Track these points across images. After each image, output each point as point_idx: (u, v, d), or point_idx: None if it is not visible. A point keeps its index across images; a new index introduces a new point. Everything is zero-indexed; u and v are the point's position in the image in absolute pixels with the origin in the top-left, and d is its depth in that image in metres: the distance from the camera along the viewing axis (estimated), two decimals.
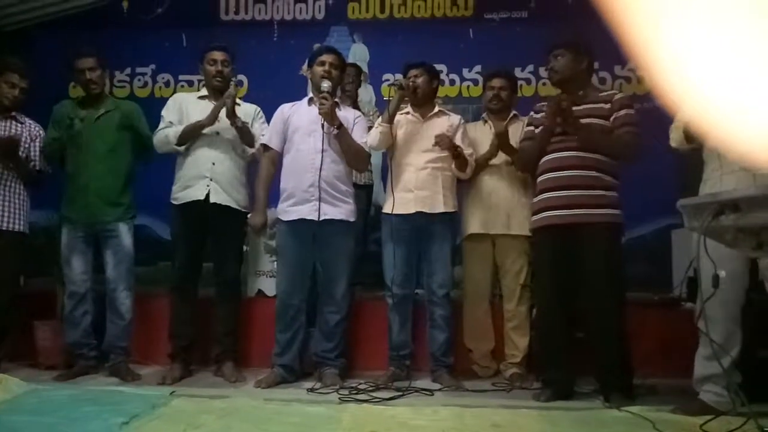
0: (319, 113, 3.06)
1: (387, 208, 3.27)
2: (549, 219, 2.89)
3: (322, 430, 2.33)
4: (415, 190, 3.19)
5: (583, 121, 2.84)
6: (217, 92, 3.34)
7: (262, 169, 3.28)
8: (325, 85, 3.09)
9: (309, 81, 3.38)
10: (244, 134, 3.28)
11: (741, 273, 2.39)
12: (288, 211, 3.16)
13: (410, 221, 3.20)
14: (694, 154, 2.64)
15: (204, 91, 3.43)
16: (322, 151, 3.12)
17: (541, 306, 3.06)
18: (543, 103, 3.09)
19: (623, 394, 2.72)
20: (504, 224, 3.30)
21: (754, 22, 0.83)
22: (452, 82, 4.86)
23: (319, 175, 3.10)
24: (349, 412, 2.57)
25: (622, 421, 2.45)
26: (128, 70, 5.05)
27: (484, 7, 4.89)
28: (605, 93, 2.99)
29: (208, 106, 3.28)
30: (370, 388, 2.97)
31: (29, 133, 3.42)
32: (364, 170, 3.76)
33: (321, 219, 3.09)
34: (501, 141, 3.16)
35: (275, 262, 3.49)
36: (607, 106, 2.88)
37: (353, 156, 3.21)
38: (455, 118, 3.33)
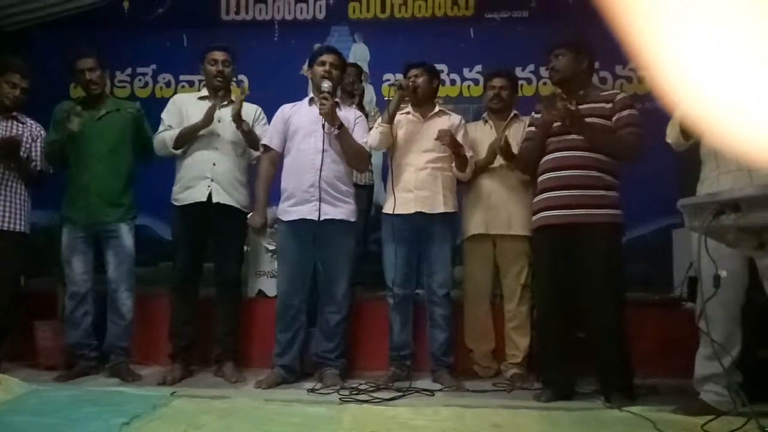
0: (320, 113, 3.06)
1: (387, 208, 3.27)
2: (549, 219, 2.89)
3: (322, 431, 2.32)
4: (415, 190, 3.19)
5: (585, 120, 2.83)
6: (218, 92, 3.34)
7: (261, 170, 3.28)
8: (326, 85, 3.09)
9: (310, 81, 3.38)
10: (250, 138, 3.28)
11: (741, 273, 2.39)
12: (288, 211, 3.16)
13: (410, 221, 3.20)
14: (694, 154, 2.64)
15: (204, 92, 3.43)
16: (323, 151, 3.12)
17: (542, 306, 3.06)
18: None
19: (624, 394, 2.72)
20: (504, 224, 3.30)
21: (754, 22, 0.83)
22: (453, 82, 4.87)
23: (320, 176, 3.09)
24: (349, 412, 2.56)
25: (623, 422, 2.44)
26: (129, 70, 5.06)
27: (484, 7, 4.89)
28: (606, 92, 2.99)
29: (208, 107, 3.27)
30: (371, 389, 2.97)
31: (30, 133, 3.43)
32: (365, 170, 3.76)
33: (321, 219, 3.09)
34: (505, 150, 3.15)
35: (275, 263, 3.49)
36: (609, 105, 2.88)
37: (354, 156, 3.21)
38: (456, 118, 3.33)
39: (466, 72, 4.88)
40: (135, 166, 3.43)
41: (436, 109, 3.34)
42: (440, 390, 3.05)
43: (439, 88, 3.48)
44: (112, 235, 3.30)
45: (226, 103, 3.35)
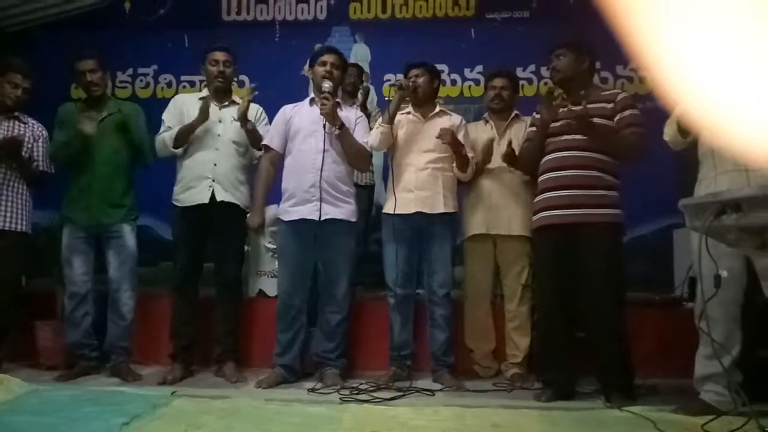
0: (321, 113, 3.07)
1: (387, 209, 3.27)
2: (550, 219, 2.89)
3: (323, 431, 2.32)
4: (416, 190, 3.19)
5: None
6: (219, 93, 3.35)
7: (261, 170, 3.28)
8: (326, 85, 3.09)
9: (311, 81, 3.38)
10: (253, 137, 3.28)
11: (740, 272, 2.39)
12: (289, 211, 3.17)
13: (410, 221, 3.20)
14: (694, 154, 2.64)
15: (205, 92, 3.43)
16: (324, 151, 3.12)
17: (542, 306, 3.06)
18: None
19: (624, 394, 2.72)
20: (505, 225, 3.30)
21: (754, 22, 0.83)
22: (454, 82, 4.87)
23: (321, 176, 3.10)
24: (350, 412, 2.56)
25: (623, 421, 2.44)
26: (130, 71, 5.07)
27: (485, 7, 4.90)
28: (607, 92, 2.99)
29: (209, 117, 3.27)
30: (371, 388, 2.97)
31: (32, 133, 3.43)
32: (366, 170, 3.76)
33: (322, 219, 3.09)
34: (508, 158, 3.15)
35: (276, 262, 3.49)
36: (610, 105, 2.88)
37: (355, 156, 3.21)
38: (456, 119, 3.33)
39: (467, 72, 4.88)
40: (136, 166, 3.44)
41: (437, 109, 3.34)
42: (440, 390, 3.05)
43: (439, 88, 3.48)
44: (115, 236, 3.30)
45: (227, 103, 3.36)
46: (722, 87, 0.90)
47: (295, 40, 4.94)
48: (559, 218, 2.85)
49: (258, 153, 3.36)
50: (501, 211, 3.31)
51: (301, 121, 3.21)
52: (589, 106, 2.86)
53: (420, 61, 3.31)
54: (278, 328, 3.21)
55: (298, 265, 3.18)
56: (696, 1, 0.87)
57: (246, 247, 3.61)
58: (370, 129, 3.30)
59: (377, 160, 3.92)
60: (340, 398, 2.81)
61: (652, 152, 2.86)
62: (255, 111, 3.42)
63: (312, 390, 2.98)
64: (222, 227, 3.31)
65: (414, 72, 3.27)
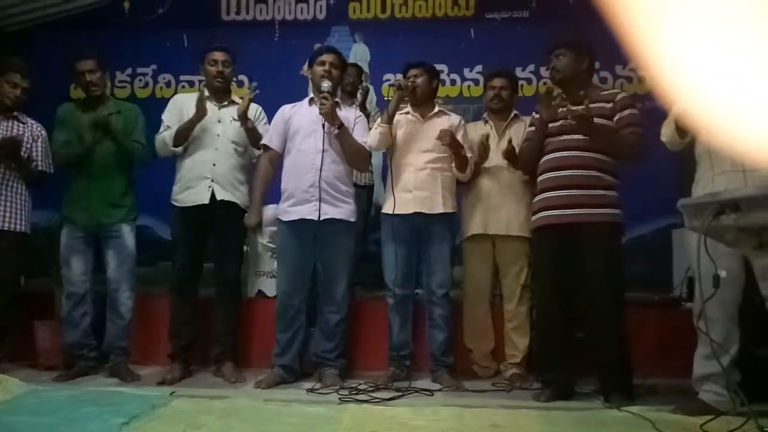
0: (320, 113, 3.07)
1: (386, 209, 3.27)
2: (549, 219, 2.89)
3: (322, 431, 2.32)
4: (415, 190, 3.19)
5: None
6: (217, 93, 3.35)
7: (259, 169, 3.28)
8: (326, 84, 3.09)
9: (310, 81, 3.38)
10: (253, 136, 3.28)
11: (738, 272, 2.39)
12: (288, 211, 3.16)
13: (409, 221, 3.20)
14: (694, 154, 2.64)
15: (205, 92, 3.43)
16: (323, 151, 3.12)
17: (541, 306, 3.06)
18: None
19: (623, 394, 2.72)
20: (504, 225, 3.30)
21: (754, 22, 0.83)
22: (453, 82, 4.87)
23: (320, 175, 3.09)
24: (349, 412, 2.56)
25: (622, 421, 2.44)
26: (129, 71, 5.06)
27: (485, 7, 4.89)
28: (607, 92, 2.99)
29: (208, 107, 3.28)
30: (370, 389, 2.97)
31: (31, 133, 3.42)
32: (365, 170, 3.76)
33: (321, 219, 3.09)
34: (509, 156, 3.15)
35: (275, 262, 3.49)
36: (609, 105, 2.88)
37: (354, 156, 3.21)
38: (455, 119, 3.33)
39: (466, 72, 4.88)
40: (136, 166, 3.43)
41: (436, 109, 3.34)
42: (439, 390, 3.05)
43: (438, 88, 3.48)
44: (114, 236, 3.30)
45: (226, 103, 3.36)
46: (721, 87, 0.90)
47: (295, 40, 4.93)
48: (559, 218, 2.85)
49: (257, 152, 3.36)
50: (500, 211, 3.31)
51: (301, 121, 3.20)
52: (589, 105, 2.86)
53: (419, 61, 3.31)
54: (277, 328, 3.21)
55: (297, 265, 3.18)
56: (695, 1, 0.87)
57: (245, 247, 3.61)
58: (370, 129, 3.30)
59: (376, 160, 3.92)
60: (339, 398, 2.81)
61: (652, 152, 2.86)
62: (254, 110, 3.42)
63: (311, 390, 2.98)
64: (221, 227, 3.31)
65: (413, 72, 3.27)
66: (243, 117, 3.20)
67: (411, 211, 3.18)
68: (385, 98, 3.31)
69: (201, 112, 3.20)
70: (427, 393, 2.97)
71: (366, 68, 4.65)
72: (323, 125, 3.12)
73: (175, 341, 3.31)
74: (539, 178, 2.97)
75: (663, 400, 2.69)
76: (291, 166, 3.20)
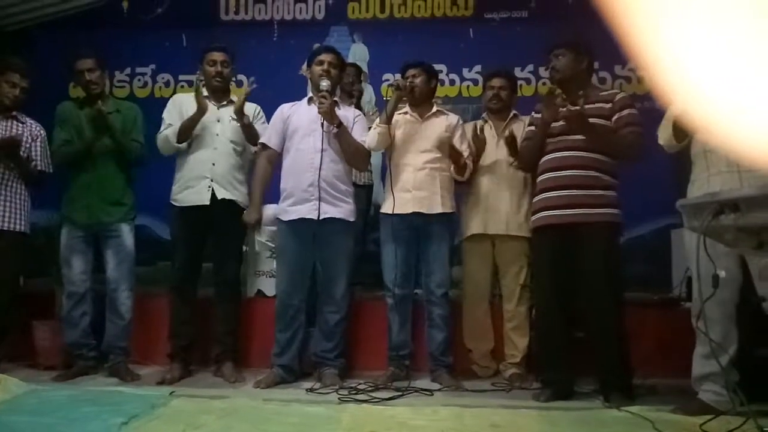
0: (319, 112, 3.07)
1: (386, 209, 3.27)
2: (548, 219, 2.89)
3: (321, 431, 2.32)
4: (413, 190, 3.19)
5: None
6: (216, 92, 3.35)
7: (258, 167, 3.28)
8: (324, 84, 3.09)
9: (309, 81, 3.38)
10: (249, 132, 3.28)
11: (735, 272, 2.40)
12: (288, 210, 3.16)
13: (408, 221, 3.20)
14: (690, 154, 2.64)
15: (204, 92, 3.43)
16: (322, 150, 3.12)
17: (541, 306, 3.06)
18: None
19: (623, 394, 2.72)
20: (503, 225, 3.30)
21: (753, 22, 0.83)
22: (452, 82, 4.87)
23: (319, 175, 3.09)
24: (348, 412, 2.57)
25: (622, 421, 2.44)
26: (128, 70, 5.06)
27: (484, 7, 4.90)
28: (606, 92, 2.99)
29: (208, 106, 3.28)
30: (370, 388, 2.97)
31: (30, 132, 3.42)
32: (364, 169, 3.76)
33: (321, 218, 3.09)
34: (510, 145, 3.15)
35: (275, 262, 3.49)
36: (608, 105, 2.88)
37: (353, 155, 3.21)
38: (453, 118, 3.33)
39: (465, 72, 4.88)
40: (135, 165, 3.43)
41: (434, 109, 3.34)
42: (439, 390, 3.05)
43: (437, 88, 3.47)
44: (113, 235, 3.30)
45: (225, 103, 3.36)
46: (720, 87, 0.90)
47: (294, 40, 4.93)
48: (558, 218, 2.85)
49: (253, 149, 3.35)
50: (499, 211, 3.31)
51: (299, 120, 3.21)
52: (588, 106, 2.86)
53: (417, 61, 3.31)
54: (277, 327, 3.21)
55: (296, 265, 3.18)
56: (695, 1, 0.87)
57: (245, 247, 3.61)
58: (369, 128, 3.30)
59: (375, 159, 3.92)
60: (338, 398, 2.81)
61: (651, 152, 2.86)
62: (253, 110, 3.42)
63: (310, 390, 2.98)
64: (221, 227, 3.31)
65: (411, 72, 3.27)
66: (239, 113, 3.19)
67: (410, 211, 3.18)
68: (384, 98, 3.31)
69: (202, 105, 3.20)
70: (427, 393, 2.97)
71: (365, 68, 4.65)
72: (322, 124, 3.12)
73: (174, 341, 3.31)
74: (539, 179, 2.97)
75: (662, 400, 2.69)
76: (290, 165, 3.20)
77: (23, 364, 3.49)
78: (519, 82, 4.02)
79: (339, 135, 3.13)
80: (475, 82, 4.78)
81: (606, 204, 2.83)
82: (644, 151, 2.86)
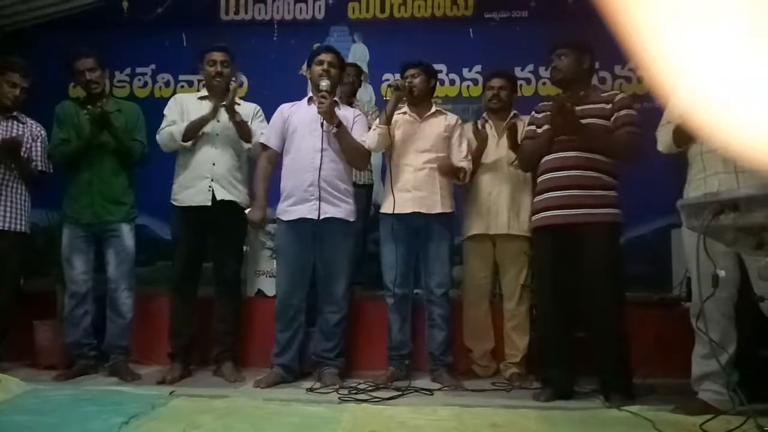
0: (318, 112, 3.07)
1: (385, 208, 3.27)
2: (549, 219, 2.89)
3: (321, 430, 2.32)
4: (413, 190, 3.19)
5: (584, 121, 2.83)
6: (217, 92, 3.35)
7: (259, 168, 3.27)
8: (324, 83, 3.09)
9: (309, 81, 3.38)
10: (242, 129, 3.28)
11: (733, 271, 2.40)
12: (288, 210, 3.16)
13: (408, 221, 3.20)
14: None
15: (204, 92, 3.43)
16: (322, 150, 3.12)
17: (541, 306, 3.06)
18: (545, 103, 3.09)
19: (623, 394, 2.72)
20: (504, 224, 3.30)
21: (753, 21, 0.83)
22: (452, 82, 4.87)
23: (319, 175, 3.10)
24: (348, 411, 2.56)
25: (622, 421, 2.44)
26: (128, 70, 5.06)
27: (484, 7, 4.90)
28: (607, 93, 2.98)
29: (208, 106, 3.28)
30: (370, 388, 2.97)
31: (31, 133, 3.42)
32: (364, 169, 3.76)
33: (321, 218, 3.09)
34: (511, 137, 3.15)
35: (275, 262, 3.49)
36: (609, 106, 2.88)
37: (353, 154, 3.21)
38: (452, 118, 3.33)
39: (465, 72, 4.88)
40: (135, 165, 3.43)
41: (433, 109, 3.34)
42: (439, 389, 3.05)
43: (436, 88, 3.47)
44: (114, 235, 3.30)
45: (225, 102, 3.36)
46: (720, 87, 0.90)
47: (294, 40, 4.93)
48: (559, 218, 2.85)
49: (247, 146, 3.35)
50: (501, 211, 3.31)
51: (299, 120, 3.21)
52: (589, 106, 2.87)
53: (416, 61, 3.30)
54: (277, 327, 3.21)
55: (296, 265, 3.18)
56: (695, 1, 0.87)
57: (245, 247, 3.61)
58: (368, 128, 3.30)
59: (375, 159, 3.92)
60: (338, 398, 2.81)
61: (651, 152, 2.85)
62: (253, 109, 3.43)
63: (310, 390, 2.98)
64: (221, 227, 3.31)
65: (410, 72, 3.27)
66: (230, 110, 3.19)
67: (409, 211, 3.18)
68: (384, 98, 3.31)
69: (215, 113, 3.20)
70: (427, 392, 2.97)
71: (365, 68, 4.65)
72: (322, 124, 3.12)
73: (174, 341, 3.31)
74: (540, 178, 2.97)
75: (663, 400, 2.69)
76: (290, 165, 3.20)
77: (23, 364, 3.49)
78: (519, 82, 4.02)
79: (338, 135, 3.13)
80: (475, 81, 4.78)
81: (607, 204, 2.83)
82: (640, 152, 2.85)
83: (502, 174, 3.34)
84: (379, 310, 3.41)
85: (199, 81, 4.55)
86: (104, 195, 3.28)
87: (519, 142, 3.13)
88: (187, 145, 3.28)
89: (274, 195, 3.30)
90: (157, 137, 3.33)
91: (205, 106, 3.29)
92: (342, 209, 3.17)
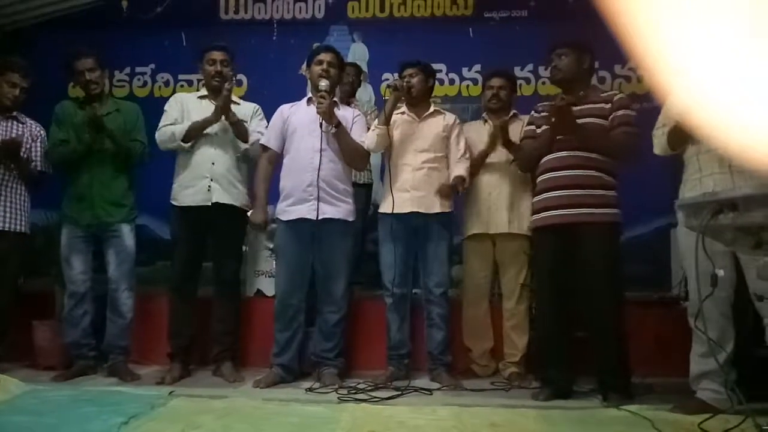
0: (317, 112, 3.07)
1: (384, 208, 3.27)
2: (549, 219, 2.89)
3: (320, 430, 2.32)
4: (412, 190, 3.19)
5: (583, 121, 2.84)
6: (216, 92, 3.34)
7: (260, 169, 3.27)
8: (323, 83, 3.09)
9: (308, 80, 3.38)
10: (238, 129, 3.28)
11: (731, 270, 2.40)
12: (287, 210, 3.16)
13: (407, 221, 3.20)
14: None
15: (204, 91, 3.43)
16: (321, 150, 3.12)
17: (541, 305, 3.06)
18: (544, 103, 3.10)
19: (622, 393, 2.73)
20: (504, 224, 3.30)
21: (754, 22, 0.83)
22: (452, 82, 4.86)
23: (318, 175, 3.09)
24: (347, 411, 2.56)
25: (621, 421, 2.45)
26: (128, 70, 5.05)
27: (483, 6, 4.89)
28: (606, 93, 2.98)
29: (208, 106, 3.28)
30: (369, 388, 2.97)
31: (30, 133, 3.42)
32: (363, 169, 3.76)
33: (320, 218, 3.09)
34: (502, 134, 3.15)
35: (274, 262, 3.49)
36: (608, 106, 2.88)
37: (352, 154, 3.21)
38: (450, 118, 3.33)
39: (465, 71, 4.87)
40: (135, 165, 3.43)
41: (432, 108, 3.34)
42: (438, 389, 3.05)
43: (434, 87, 3.47)
44: (114, 235, 3.30)
45: (218, 103, 3.35)
46: (719, 87, 0.90)
47: (293, 39, 4.92)
48: (558, 218, 2.85)
49: (243, 145, 3.34)
50: (500, 210, 3.31)
51: (299, 121, 3.20)
52: (587, 106, 2.87)
53: (414, 60, 3.30)
54: (276, 327, 3.21)
55: (296, 265, 3.18)
56: (695, 1, 0.88)
57: (244, 247, 3.61)
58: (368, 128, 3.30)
59: (374, 159, 3.92)
60: (338, 398, 2.81)
61: (649, 152, 2.85)
62: (252, 109, 3.43)
63: (310, 390, 2.98)
64: (221, 227, 3.31)
65: (408, 71, 3.27)
66: (225, 109, 3.18)
67: (408, 211, 3.18)
68: (384, 98, 3.31)
69: (218, 115, 3.19)
70: (426, 392, 2.97)
71: (365, 68, 4.64)
72: (321, 124, 3.12)
73: (174, 341, 3.31)
74: (539, 178, 2.97)
75: (661, 399, 2.70)
76: (289, 165, 3.20)
77: (22, 365, 3.49)
78: (519, 82, 4.02)
79: (337, 135, 3.13)
80: (475, 81, 4.77)
81: (606, 204, 2.83)
82: (637, 152, 2.85)
83: (502, 174, 3.34)
84: (378, 309, 3.41)
85: (199, 80, 4.54)
86: (104, 197, 3.28)
87: (510, 140, 3.13)
88: (186, 146, 3.28)
89: (273, 195, 3.30)
90: (156, 134, 3.32)
91: (205, 106, 3.29)
92: (341, 209, 3.17)
